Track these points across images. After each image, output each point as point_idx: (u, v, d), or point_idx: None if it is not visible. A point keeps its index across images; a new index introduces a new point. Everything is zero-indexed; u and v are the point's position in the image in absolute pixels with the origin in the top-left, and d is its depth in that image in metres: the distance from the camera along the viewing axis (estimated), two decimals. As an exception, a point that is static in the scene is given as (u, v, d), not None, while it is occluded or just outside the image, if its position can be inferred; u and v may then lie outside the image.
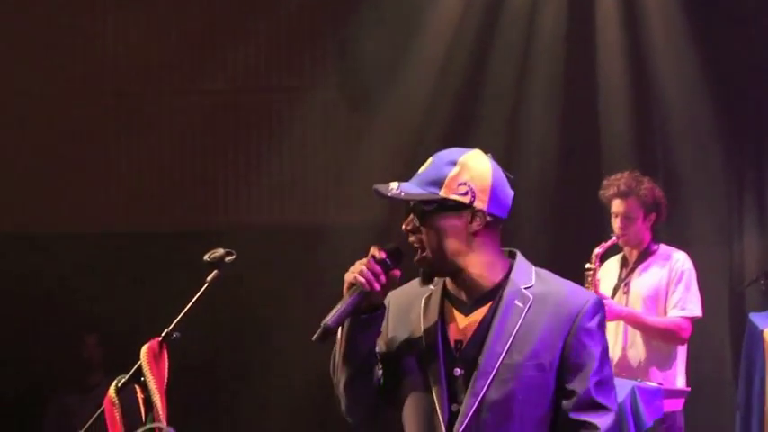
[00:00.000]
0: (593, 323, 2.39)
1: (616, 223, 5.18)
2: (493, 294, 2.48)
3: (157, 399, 2.38)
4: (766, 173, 7.46)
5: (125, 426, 2.55)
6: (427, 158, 3.17)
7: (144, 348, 2.56)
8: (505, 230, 5.92)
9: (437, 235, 2.49)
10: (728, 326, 6.52)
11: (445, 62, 7.92)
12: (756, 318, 5.70)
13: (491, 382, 2.35)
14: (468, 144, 4.80)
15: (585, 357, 2.36)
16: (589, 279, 5.16)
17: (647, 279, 5.19)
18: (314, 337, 2.41)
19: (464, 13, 7.89)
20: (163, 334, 2.57)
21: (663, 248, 5.23)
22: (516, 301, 2.51)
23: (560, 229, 7.00)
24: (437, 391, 2.36)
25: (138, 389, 2.48)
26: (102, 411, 2.56)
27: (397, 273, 2.53)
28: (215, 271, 2.63)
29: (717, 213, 7.32)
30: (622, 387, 4.90)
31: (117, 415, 2.54)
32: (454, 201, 2.46)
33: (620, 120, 7.48)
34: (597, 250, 5.19)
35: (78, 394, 6.63)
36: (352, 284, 2.45)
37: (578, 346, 2.37)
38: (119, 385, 2.47)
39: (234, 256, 2.66)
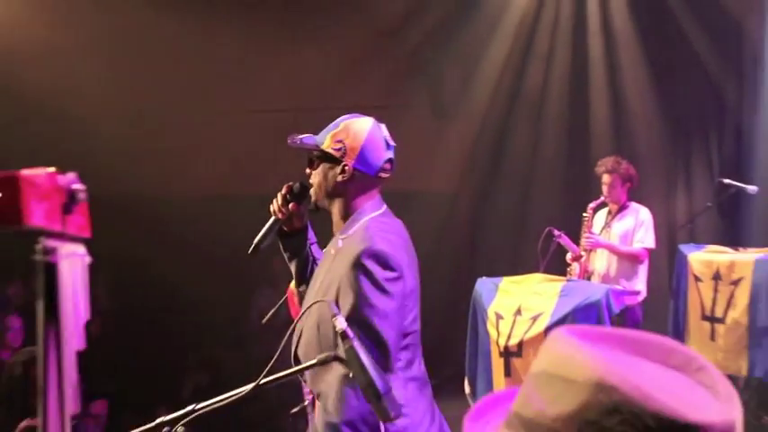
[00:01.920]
0: (363, 265, 2.70)
1: (604, 189, 6.79)
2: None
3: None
4: (692, 154, 8.96)
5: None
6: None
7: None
8: (528, 192, 7.63)
9: (317, 177, 2.92)
10: (666, 253, 7.91)
11: (498, 80, 8.96)
12: (683, 247, 7.12)
13: (306, 315, 2.75)
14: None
15: (350, 289, 2.70)
16: (585, 223, 6.83)
17: (622, 224, 6.83)
18: (249, 251, 3.03)
19: (512, 45, 8.94)
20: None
21: (633, 205, 6.86)
22: (332, 249, 2.96)
23: (568, 191, 8.35)
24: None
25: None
26: (286, 300, 3.25)
27: (293, 206, 3.00)
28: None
29: (662, 180, 8.86)
30: (601, 289, 6.35)
31: (296, 300, 3.17)
32: (329, 153, 2.85)
33: (604, 117, 8.89)
34: (591, 205, 6.84)
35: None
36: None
37: (347, 282, 2.73)
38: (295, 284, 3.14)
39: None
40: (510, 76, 9.14)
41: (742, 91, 8.88)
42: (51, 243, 1.17)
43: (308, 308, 2.66)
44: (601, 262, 6.94)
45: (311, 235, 3.19)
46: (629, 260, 6.83)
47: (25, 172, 1.13)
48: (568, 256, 7.16)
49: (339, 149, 2.82)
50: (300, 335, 2.91)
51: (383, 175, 2.89)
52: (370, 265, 2.71)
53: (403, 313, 2.81)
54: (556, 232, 6.95)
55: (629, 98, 9.06)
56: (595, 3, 9.11)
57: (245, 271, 7.34)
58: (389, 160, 2.90)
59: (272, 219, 3.03)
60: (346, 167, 2.80)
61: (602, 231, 6.90)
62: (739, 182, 7.46)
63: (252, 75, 8.91)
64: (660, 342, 1.04)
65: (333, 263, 2.88)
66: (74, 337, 1.27)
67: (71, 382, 1.25)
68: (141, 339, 7.52)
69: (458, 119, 9.27)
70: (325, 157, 2.86)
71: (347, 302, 2.72)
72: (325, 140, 2.86)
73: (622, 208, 6.86)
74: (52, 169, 1.19)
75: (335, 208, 2.92)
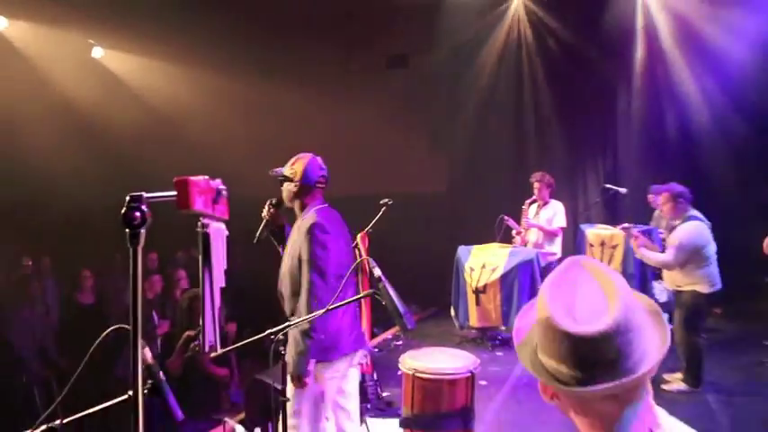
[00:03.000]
0: (310, 235, 3.58)
1: (535, 191, 8.14)
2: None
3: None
4: (587, 168, 10.40)
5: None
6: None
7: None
8: (488, 192, 10.05)
9: (284, 191, 3.79)
10: (572, 229, 8.95)
11: (471, 118, 10.20)
12: (582, 226, 8.42)
13: (283, 263, 3.67)
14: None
15: (306, 245, 3.58)
16: (524, 212, 8.14)
17: (546, 212, 8.13)
18: (254, 241, 3.85)
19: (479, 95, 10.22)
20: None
21: (552, 201, 8.14)
22: (294, 228, 3.81)
23: (513, 191, 9.24)
24: None
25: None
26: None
27: (274, 211, 3.88)
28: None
29: (569, 185, 10.14)
30: (534, 252, 7.87)
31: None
32: (288, 176, 3.75)
33: (535, 147, 10.40)
34: (527, 201, 8.21)
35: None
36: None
37: (302, 246, 3.60)
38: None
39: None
40: (477, 114, 10.33)
41: (616, 128, 10.18)
42: (206, 221, 1.55)
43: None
44: (533, 236, 8.23)
45: (288, 229, 4.00)
46: (550, 234, 8.13)
47: (192, 177, 1.48)
48: (514, 233, 8.38)
49: (294, 172, 3.77)
50: (280, 277, 3.83)
51: (319, 186, 3.80)
52: (315, 230, 3.62)
53: (336, 258, 3.63)
54: (505, 218, 8.26)
55: (552, 133, 10.45)
56: (525, 58, 10.52)
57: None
58: (322, 176, 3.79)
59: (264, 221, 3.94)
60: (296, 182, 3.73)
61: (534, 217, 8.22)
62: (615, 186, 8.60)
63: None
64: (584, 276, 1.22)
65: (295, 235, 3.76)
66: (219, 278, 1.63)
67: (218, 306, 1.61)
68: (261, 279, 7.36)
69: (445, 145, 10.46)
70: (286, 179, 3.79)
71: (305, 253, 3.62)
72: (286, 169, 3.80)
73: (546, 203, 8.16)
74: (206, 177, 1.54)
75: (296, 206, 3.83)
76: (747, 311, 8.38)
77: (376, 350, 7.58)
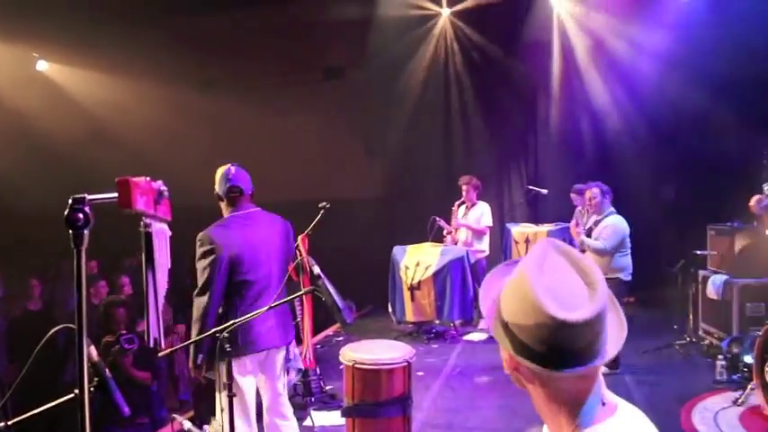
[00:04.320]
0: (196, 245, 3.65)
1: (464, 193, 8.31)
2: None
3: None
4: (511, 171, 10.67)
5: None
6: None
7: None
8: (421, 196, 10.13)
9: (216, 201, 3.97)
10: (498, 228, 9.26)
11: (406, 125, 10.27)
12: (508, 225, 8.82)
13: None
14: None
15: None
16: (453, 212, 8.32)
17: (474, 213, 8.33)
18: None
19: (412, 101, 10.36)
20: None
21: (480, 202, 8.37)
22: None
23: (443, 194, 9.40)
24: None
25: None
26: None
27: None
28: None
29: (495, 187, 10.37)
30: (463, 249, 8.03)
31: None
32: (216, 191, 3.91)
33: (462, 151, 10.64)
34: (456, 202, 8.37)
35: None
36: None
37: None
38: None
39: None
40: (408, 123, 10.46)
41: (537, 134, 10.49)
42: (148, 221, 1.53)
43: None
44: (463, 235, 8.43)
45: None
46: (479, 233, 8.35)
47: (133, 178, 1.46)
48: (445, 232, 8.53)
49: (217, 186, 3.92)
50: None
51: (231, 195, 3.87)
52: (197, 242, 3.74)
53: (226, 264, 3.66)
54: (437, 219, 8.41)
55: (478, 139, 10.63)
56: (452, 70, 10.67)
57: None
58: (231, 188, 3.86)
59: None
60: (217, 194, 3.93)
61: (462, 217, 8.41)
62: (537, 187, 8.95)
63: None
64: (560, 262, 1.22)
65: None
66: (163, 277, 1.61)
67: (161, 303, 1.59)
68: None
69: (380, 153, 10.57)
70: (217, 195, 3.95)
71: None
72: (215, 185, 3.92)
73: (473, 204, 8.36)
74: (148, 178, 1.52)
75: (223, 213, 3.94)
76: (656, 299, 8.70)
77: (319, 346, 7.52)
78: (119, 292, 7.58)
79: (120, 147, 9.85)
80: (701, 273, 7.47)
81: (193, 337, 3.50)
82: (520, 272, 1.25)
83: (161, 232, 1.59)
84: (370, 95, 10.23)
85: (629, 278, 6.43)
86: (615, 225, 6.32)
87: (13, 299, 8.37)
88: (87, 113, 10.63)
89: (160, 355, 3.14)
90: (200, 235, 3.67)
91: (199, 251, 3.63)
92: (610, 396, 1.29)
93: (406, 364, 3.84)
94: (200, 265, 3.61)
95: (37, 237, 9.04)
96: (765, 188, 5.59)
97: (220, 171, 3.84)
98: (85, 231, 1.36)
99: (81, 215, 1.36)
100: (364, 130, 10.42)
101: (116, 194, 1.45)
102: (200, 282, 3.61)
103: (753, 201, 5.71)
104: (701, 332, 7.47)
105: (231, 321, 3.13)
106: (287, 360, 3.92)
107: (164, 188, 1.57)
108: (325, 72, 10.92)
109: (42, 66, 11.10)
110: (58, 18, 9.03)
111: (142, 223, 1.55)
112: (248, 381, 3.73)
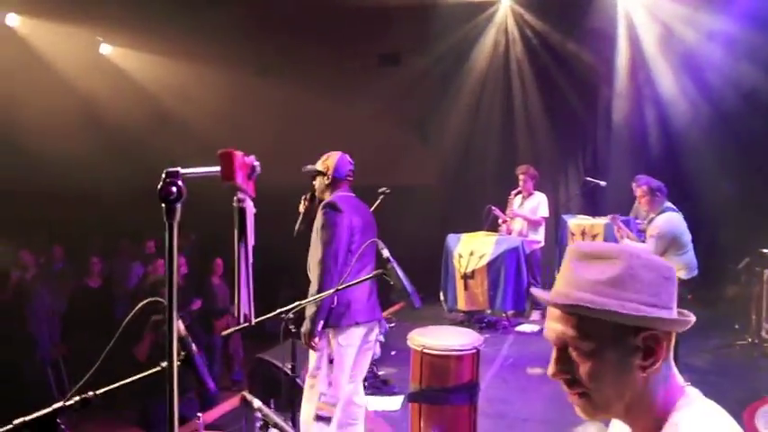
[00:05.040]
0: (322, 212, 3.93)
1: (520, 183, 8.25)
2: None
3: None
4: (569, 163, 10.48)
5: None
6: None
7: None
8: (477, 184, 10.04)
9: (317, 185, 4.19)
10: (554, 219, 9.06)
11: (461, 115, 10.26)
12: (564, 216, 8.53)
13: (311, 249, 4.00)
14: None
15: (318, 227, 3.95)
16: (509, 202, 8.28)
17: (530, 203, 8.30)
18: (294, 234, 4.21)
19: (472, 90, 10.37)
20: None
21: (536, 192, 8.31)
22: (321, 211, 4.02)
23: (499, 183, 9.37)
24: None
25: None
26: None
27: (308, 205, 4.30)
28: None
29: (552, 178, 10.20)
30: (519, 240, 7.97)
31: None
32: (320, 170, 4.15)
33: (522, 141, 10.44)
34: (513, 192, 8.34)
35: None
36: None
37: (317, 223, 3.97)
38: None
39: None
40: (467, 111, 10.43)
41: (596, 124, 10.26)
42: (242, 196, 1.49)
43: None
44: (518, 225, 8.37)
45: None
46: (534, 224, 8.29)
47: (234, 150, 1.41)
48: (500, 221, 8.43)
49: (326, 168, 4.14)
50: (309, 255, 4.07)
51: (348, 178, 4.17)
52: (326, 208, 3.94)
53: (348, 235, 3.88)
54: (492, 208, 8.34)
55: (538, 130, 10.50)
56: (513, 58, 10.57)
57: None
58: (350, 170, 4.15)
59: (301, 214, 4.35)
60: (327, 175, 4.13)
61: (518, 207, 8.38)
62: (596, 179, 8.72)
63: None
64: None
65: (318, 217, 4.04)
66: (250, 245, 1.55)
67: (251, 280, 1.54)
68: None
69: (436, 140, 10.54)
70: (319, 173, 4.18)
71: (318, 229, 3.95)
72: (318, 165, 4.19)
73: (530, 194, 8.32)
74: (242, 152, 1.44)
75: (326, 196, 4.15)
76: (718, 298, 8.51)
77: (392, 325, 7.55)
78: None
79: (182, 131, 10.00)
80: (767, 272, 7.20)
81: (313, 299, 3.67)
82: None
83: (250, 209, 1.55)
84: (426, 82, 10.18)
85: (690, 276, 6.21)
86: (662, 226, 6.05)
87: (72, 275, 8.60)
88: (149, 97, 10.81)
89: (223, 334, 3.17)
90: (329, 200, 3.93)
91: (325, 217, 3.86)
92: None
93: (475, 351, 3.83)
94: (325, 231, 3.84)
95: (96, 216, 9.27)
96: None
97: (335, 155, 4.10)
98: (178, 205, 1.36)
99: (174, 188, 1.36)
100: (420, 117, 10.38)
101: (217, 168, 1.42)
102: (323, 250, 3.83)
103: None
104: (763, 333, 7.22)
105: (339, 286, 3.34)
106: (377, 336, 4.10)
107: (257, 164, 1.52)
108: (380, 58, 10.88)
109: (106, 49, 11.30)
110: (120, 1, 9.22)
111: (236, 198, 1.51)
112: (351, 351, 3.96)
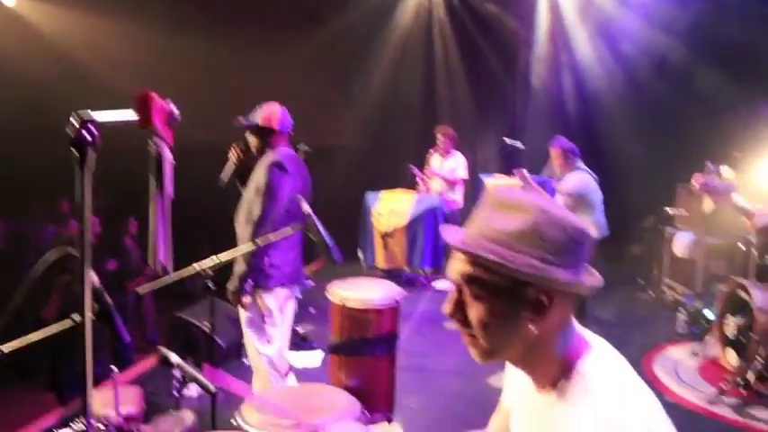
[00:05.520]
0: (268, 170, 3.82)
1: (439, 143, 8.37)
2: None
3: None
4: (488, 123, 10.44)
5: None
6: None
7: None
8: (396, 144, 10.04)
9: (252, 138, 4.04)
10: (472, 179, 8.74)
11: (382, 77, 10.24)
12: (483, 176, 8.21)
13: (242, 201, 4.05)
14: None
15: (261, 184, 3.82)
16: (428, 160, 8.38)
17: (449, 163, 8.40)
18: (220, 184, 3.94)
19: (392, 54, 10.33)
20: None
21: (454, 152, 8.40)
22: (256, 166, 3.94)
23: (419, 143, 9.35)
24: None
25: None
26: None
27: (243, 156, 4.10)
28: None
29: (471, 138, 10.09)
30: (437, 198, 8.15)
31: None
32: (260, 124, 3.97)
33: (443, 100, 10.52)
34: (431, 151, 8.43)
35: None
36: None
37: (260, 180, 3.86)
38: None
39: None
40: (388, 70, 10.44)
41: (516, 87, 10.39)
42: (159, 141, 1.43)
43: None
44: (437, 184, 8.48)
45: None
46: (452, 184, 8.40)
47: (152, 93, 1.35)
48: (418, 179, 8.56)
49: (265, 120, 3.97)
50: (238, 207, 4.05)
51: (289, 132, 4.08)
52: (273, 167, 3.83)
53: (289, 194, 3.79)
54: (412, 167, 8.50)
55: (458, 91, 10.56)
56: (437, 19, 10.65)
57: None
58: (291, 124, 4.07)
59: (232, 164, 4.14)
60: (269, 129, 3.97)
61: (438, 167, 8.52)
62: (513, 140, 8.45)
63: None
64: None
65: (258, 170, 3.95)
66: (168, 195, 1.50)
67: (169, 220, 1.49)
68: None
69: (358, 100, 10.48)
70: (259, 127, 3.99)
71: (261, 186, 3.82)
72: (257, 117, 4.00)
73: (449, 154, 8.43)
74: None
75: (267, 150, 4.03)
76: (624, 254, 8.88)
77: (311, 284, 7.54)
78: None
79: (95, 87, 9.50)
80: (669, 230, 7.60)
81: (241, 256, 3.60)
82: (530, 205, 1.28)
83: (168, 158, 1.48)
84: (350, 42, 10.06)
85: (600, 236, 6.27)
86: (572, 185, 6.13)
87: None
88: (59, 51, 10.24)
89: (139, 290, 3.07)
90: (276, 159, 3.81)
91: (271, 175, 3.76)
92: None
93: (395, 303, 3.84)
94: (268, 189, 3.76)
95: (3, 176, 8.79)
96: (708, 164, 5.44)
97: (276, 108, 3.98)
98: (91, 152, 1.26)
99: (87, 133, 1.26)
100: (343, 76, 10.27)
101: (132, 112, 1.33)
102: (262, 207, 3.76)
103: (695, 180, 5.49)
104: (664, 287, 7.64)
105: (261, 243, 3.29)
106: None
107: (176, 111, 1.44)
108: (303, 16, 10.62)
109: (10, 1, 10.54)
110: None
111: (152, 143, 1.43)
112: (278, 310, 3.96)
